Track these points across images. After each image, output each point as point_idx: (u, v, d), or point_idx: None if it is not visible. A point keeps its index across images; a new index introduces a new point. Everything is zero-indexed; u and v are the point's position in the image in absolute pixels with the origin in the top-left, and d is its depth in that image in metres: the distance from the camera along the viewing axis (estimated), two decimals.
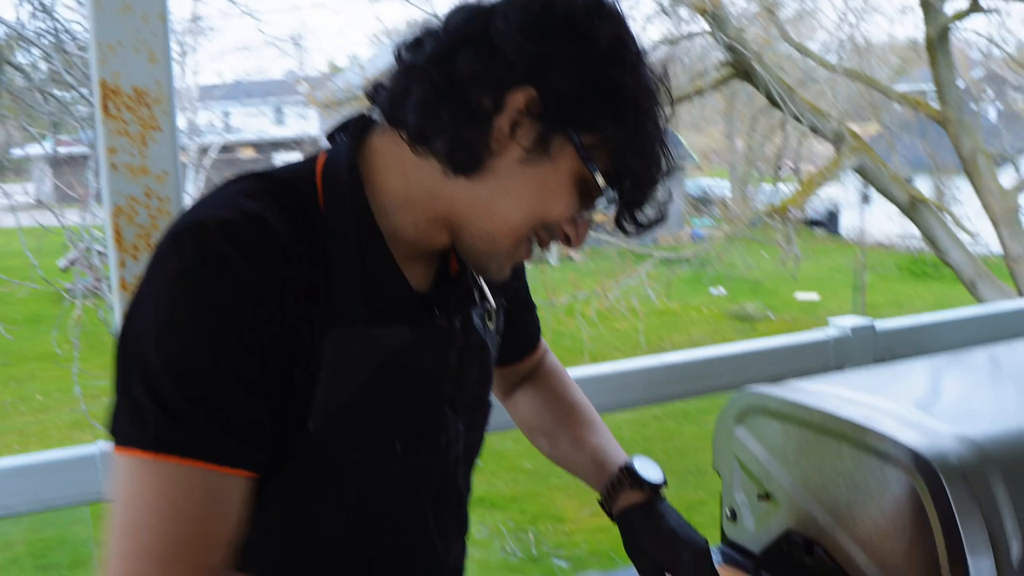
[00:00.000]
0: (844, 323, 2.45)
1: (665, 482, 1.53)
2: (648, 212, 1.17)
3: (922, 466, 1.40)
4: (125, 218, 1.53)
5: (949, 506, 1.37)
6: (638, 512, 1.50)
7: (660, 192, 1.15)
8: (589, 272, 11.11)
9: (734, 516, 1.81)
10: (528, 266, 1.62)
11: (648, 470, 1.53)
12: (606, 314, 10.09)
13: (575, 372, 2.19)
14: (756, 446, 1.72)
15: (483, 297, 1.31)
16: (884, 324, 2.49)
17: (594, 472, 1.54)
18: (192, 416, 0.98)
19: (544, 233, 1.16)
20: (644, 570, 1.50)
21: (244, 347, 1.01)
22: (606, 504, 1.53)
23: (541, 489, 7.10)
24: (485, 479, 7.74)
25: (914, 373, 1.86)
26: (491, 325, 1.36)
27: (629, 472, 1.52)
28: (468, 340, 1.29)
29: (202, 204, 1.08)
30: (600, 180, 1.11)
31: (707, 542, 1.48)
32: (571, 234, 1.17)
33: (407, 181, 1.14)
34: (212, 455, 1.00)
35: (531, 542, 6.73)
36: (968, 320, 2.62)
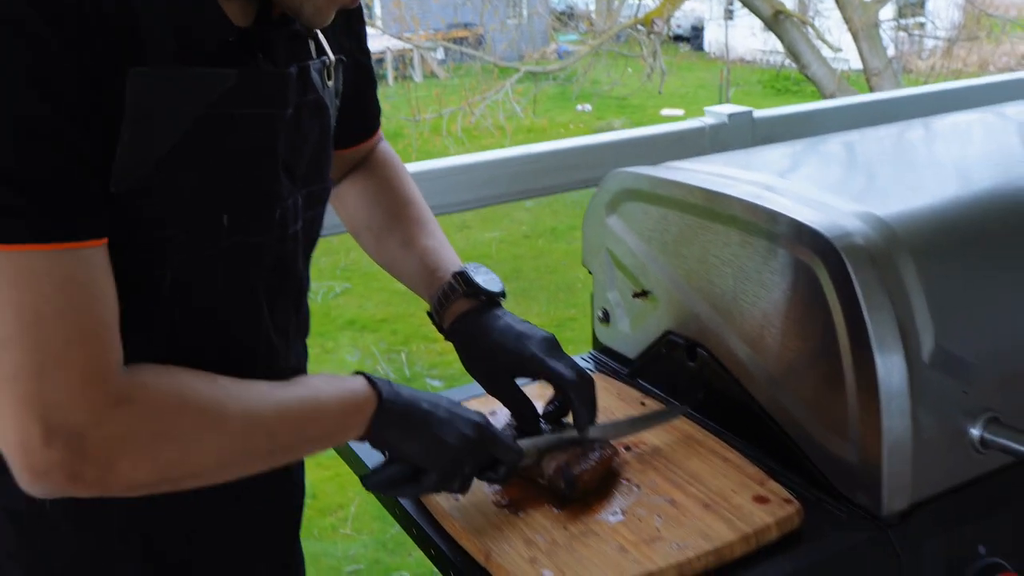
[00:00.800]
0: (721, 110, 2.24)
1: (504, 293, 1.32)
2: None
3: (823, 248, 1.20)
4: None
5: (854, 294, 1.17)
6: (473, 318, 1.30)
7: None
8: (454, 89, 10.71)
9: (607, 317, 1.60)
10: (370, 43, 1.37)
11: (486, 279, 1.32)
12: (472, 131, 9.76)
13: (438, 164, 1.94)
14: (631, 237, 1.50)
15: (320, 50, 1.13)
16: (762, 112, 2.30)
17: (424, 278, 1.35)
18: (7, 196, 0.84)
19: None
20: (489, 379, 1.31)
21: (37, 94, 0.85)
22: (436, 315, 1.33)
23: (413, 310, 6.91)
24: (355, 301, 7.52)
25: (802, 152, 1.65)
26: (330, 84, 1.14)
27: (464, 279, 1.31)
28: (305, 95, 1.08)
29: None
30: None
31: (553, 336, 1.29)
32: None
33: None
34: (47, 234, 0.86)
35: (404, 363, 6.59)
36: (847, 108, 2.44)
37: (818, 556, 1.17)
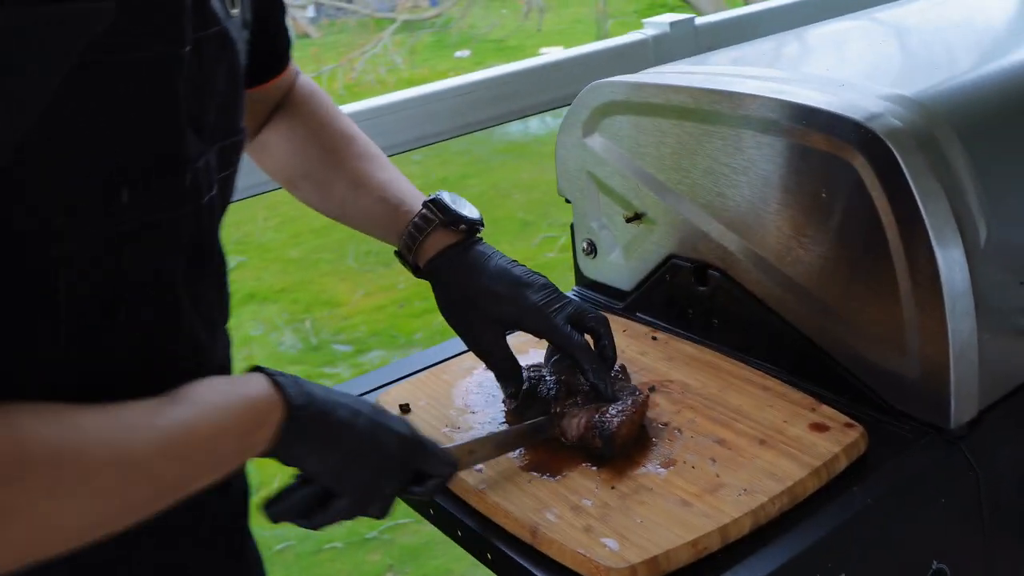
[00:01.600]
0: (661, 20, 2.10)
1: (483, 221, 1.16)
2: None
3: (862, 136, 1.06)
4: None
5: (905, 184, 1.03)
6: (457, 254, 1.13)
7: None
8: (330, 46, 10.33)
9: (592, 249, 1.44)
10: None
11: (460, 205, 1.16)
12: (354, 87, 9.43)
13: (355, 107, 1.76)
14: (617, 155, 1.34)
15: None
16: (703, 19, 2.17)
17: (387, 215, 1.16)
18: None
19: None
20: (475, 331, 1.14)
21: None
22: (407, 253, 1.15)
23: (312, 276, 6.66)
24: (252, 274, 7.22)
25: (792, 44, 1.50)
26: (234, 12, 0.90)
27: (438, 206, 1.14)
28: (206, 28, 0.83)
29: None
30: None
31: (552, 283, 1.13)
32: None
33: None
34: None
35: (309, 331, 6.35)
36: (790, 7, 2.31)
37: (892, 481, 1.04)
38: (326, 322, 6.79)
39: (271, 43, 1.14)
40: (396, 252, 1.16)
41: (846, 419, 1.08)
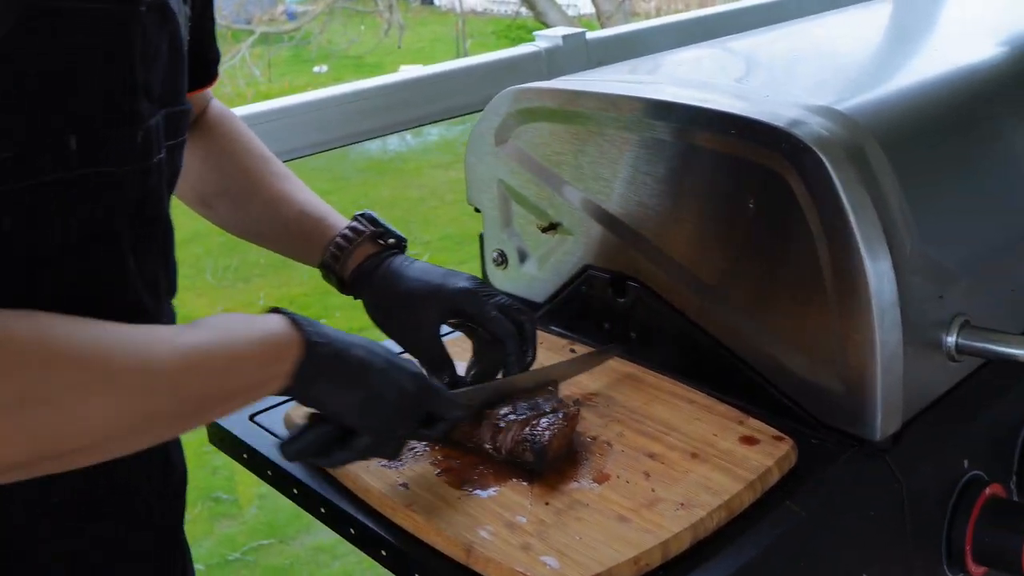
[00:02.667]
0: (553, 33, 2.08)
1: (406, 240, 1.17)
2: None
3: (792, 147, 1.05)
4: None
5: (836, 196, 1.03)
6: (384, 261, 1.14)
7: None
8: None
9: (503, 260, 1.40)
10: None
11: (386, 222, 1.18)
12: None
13: (243, 111, 1.68)
14: (531, 164, 1.31)
15: None
16: (595, 33, 2.17)
17: (307, 231, 1.18)
18: None
19: None
20: (408, 330, 1.14)
21: None
22: (333, 264, 1.16)
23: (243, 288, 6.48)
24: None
25: (706, 57, 1.50)
26: None
27: (368, 219, 1.16)
28: None
29: None
30: None
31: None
32: None
33: None
34: None
35: None
36: (678, 24, 2.34)
37: (823, 494, 1.04)
38: None
39: (203, 52, 1.12)
40: (320, 264, 1.16)
41: (774, 432, 1.07)
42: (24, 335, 0.70)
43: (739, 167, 1.10)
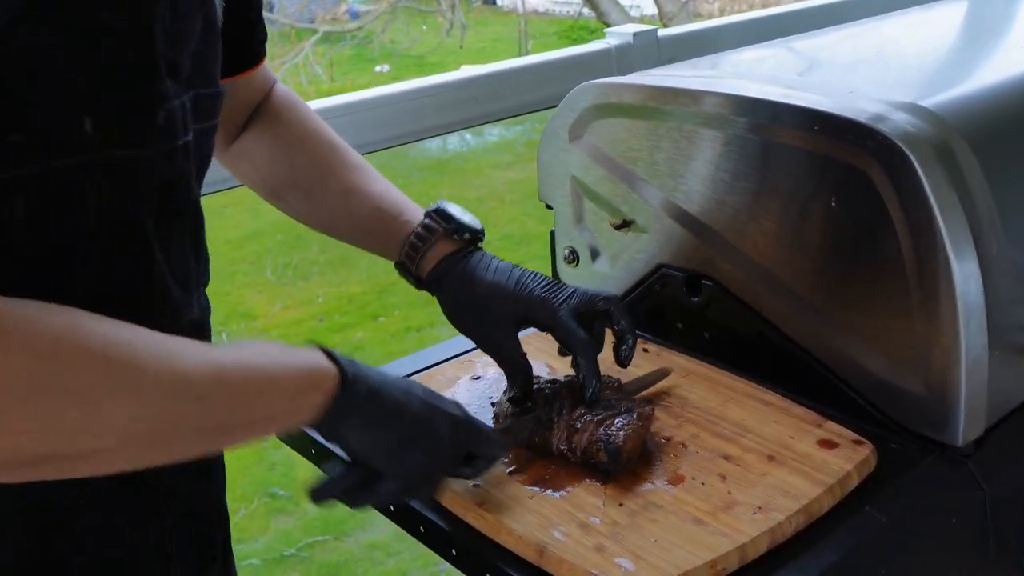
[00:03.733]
0: (624, 30, 2.06)
1: (484, 230, 1.14)
2: None
3: (879, 144, 1.03)
4: None
5: (923, 194, 1.00)
6: (460, 259, 1.12)
7: None
8: None
9: (575, 258, 1.39)
10: None
11: (462, 213, 1.14)
12: None
13: (318, 104, 1.69)
14: (607, 160, 1.29)
15: None
16: (665, 31, 2.14)
17: (383, 225, 1.15)
18: None
19: None
20: (485, 330, 1.11)
21: None
22: (409, 264, 1.13)
23: (228, 288, 6.49)
24: None
25: (784, 54, 1.47)
26: None
27: (443, 215, 1.12)
28: None
29: None
30: None
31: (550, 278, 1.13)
32: None
33: None
34: None
35: (224, 342, 6.23)
36: (745, 23, 2.31)
37: (905, 501, 1.01)
38: (243, 334, 6.63)
39: (248, 31, 1.09)
40: (397, 264, 1.14)
41: (854, 436, 1.05)
42: (59, 327, 0.67)
43: (822, 164, 1.08)
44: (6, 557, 0.81)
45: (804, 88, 1.15)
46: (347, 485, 0.91)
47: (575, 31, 14.92)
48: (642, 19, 10.98)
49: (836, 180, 1.07)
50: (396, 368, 1.26)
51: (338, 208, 1.16)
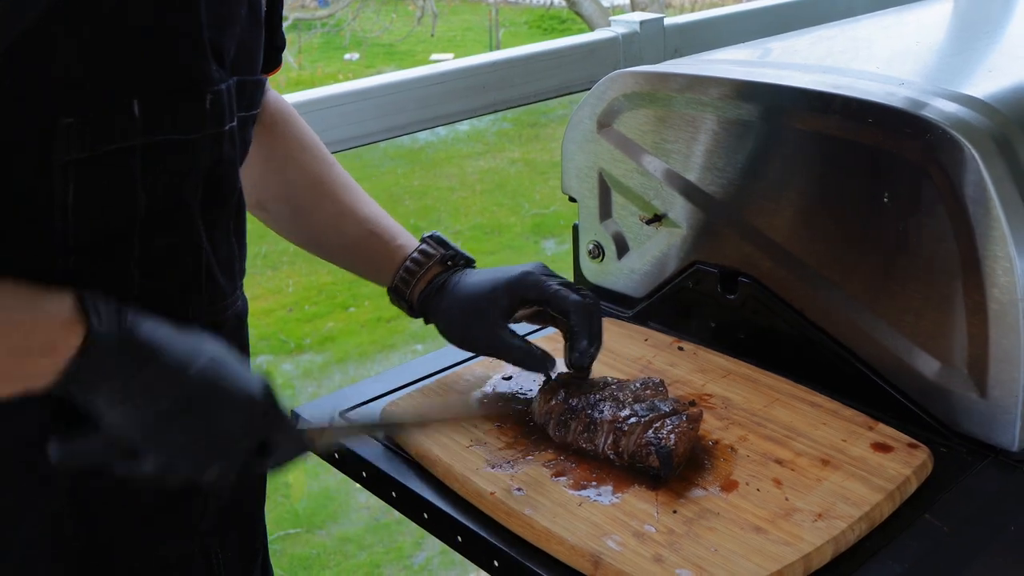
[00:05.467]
0: (631, 19, 2.02)
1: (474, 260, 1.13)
2: None
3: (939, 139, 0.99)
4: None
5: (986, 189, 0.96)
6: (445, 280, 1.10)
7: None
8: None
9: (600, 252, 1.34)
10: None
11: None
12: None
13: (299, 97, 1.64)
14: (637, 152, 1.25)
15: None
16: (672, 20, 2.10)
17: (375, 250, 1.14)
18: None
19: None
20: (485, 336, 1.07)
21: None
22: (404, 289, 1.11)
23: None
24: None
25: (820, 43, 1.42)
26: None
27: (438, 242, 1.11)
28: None
29: None
30: None
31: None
32: None
33: None
34: None
35: None
36: (758, 12, 2.27)
37: (965, 508, 0.97)
38: None
39: (271, 35, 1.06)
40: (390, 289, 1.12)
41: (909, 439, 1.01)
42: None
43: (875, 157, 1.04)
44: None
45: (854, 77, 1.11)
46: (95, 454, 0.75)
47: (546, 20, 14.86)
48: (613, 10, 10.96)
49: (890, 174, 1.03)
50: (419, 367, 1.21)
51: (329, 228, 1.14)
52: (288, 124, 1.15)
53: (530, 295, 1.05)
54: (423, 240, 1.11)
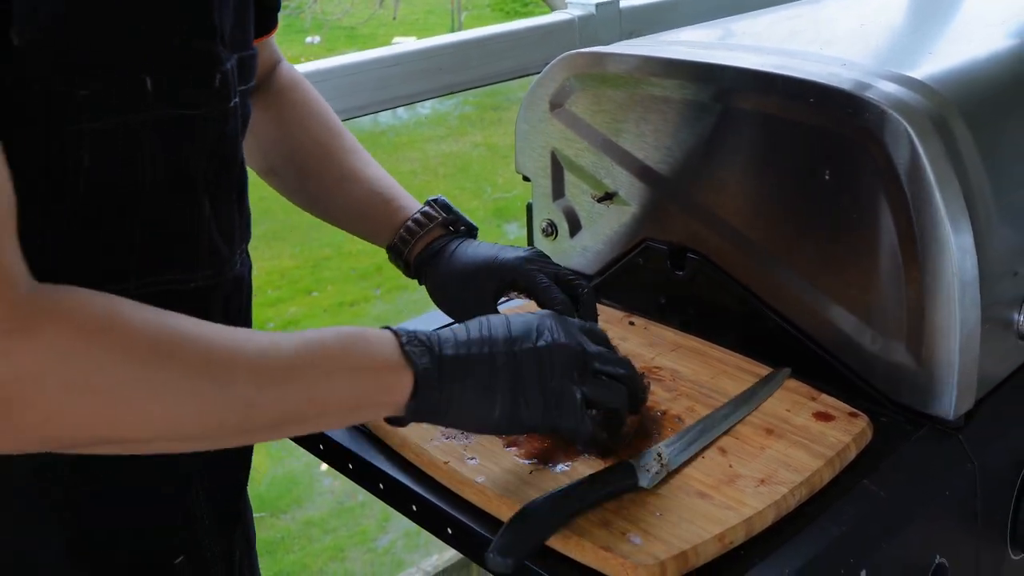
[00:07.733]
0: (588, 0, 2.04)
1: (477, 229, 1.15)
2: None
3: (878, 118, 1.02)
4: None
5: (922, 168, 1.00)
6: (444, 245, 1.12)
7: None
8: None
9: (553, 230, 1.37)
10: None
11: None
12: None
13: None
14: (589, 131, 1.28)
15: None
16: (628, 2, 2.12)
17: (376, 209, 1.16)
18: None
19: None
20: (469, 309, 1.07)
21: None
22: (403, 248, 1.13)
23: None
24: None
25: (774, 23, 1.45)
26: None
27: (441, 205, 1.14)
28: None
29: None
30: None
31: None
32: None
33: None
34: None
35: None
36: None
37: (901, 473, 1.01)
38: None
39: None
40: (389, 247, 1.14)
41: (849, 408, 1.05)
42: (97, 314, 0.69)
43: (816, 136, 1.07)
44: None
45: (797, 57, 1.15)
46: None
47: (508, 3, 14.86)
48: None
49: (830, 152, 1.07)
50: None
51: (334, 191, 1.17)
52: (297, 91, 1.19)
53: (519, 284, 1.08)
54: (427, 203, 1.14)
